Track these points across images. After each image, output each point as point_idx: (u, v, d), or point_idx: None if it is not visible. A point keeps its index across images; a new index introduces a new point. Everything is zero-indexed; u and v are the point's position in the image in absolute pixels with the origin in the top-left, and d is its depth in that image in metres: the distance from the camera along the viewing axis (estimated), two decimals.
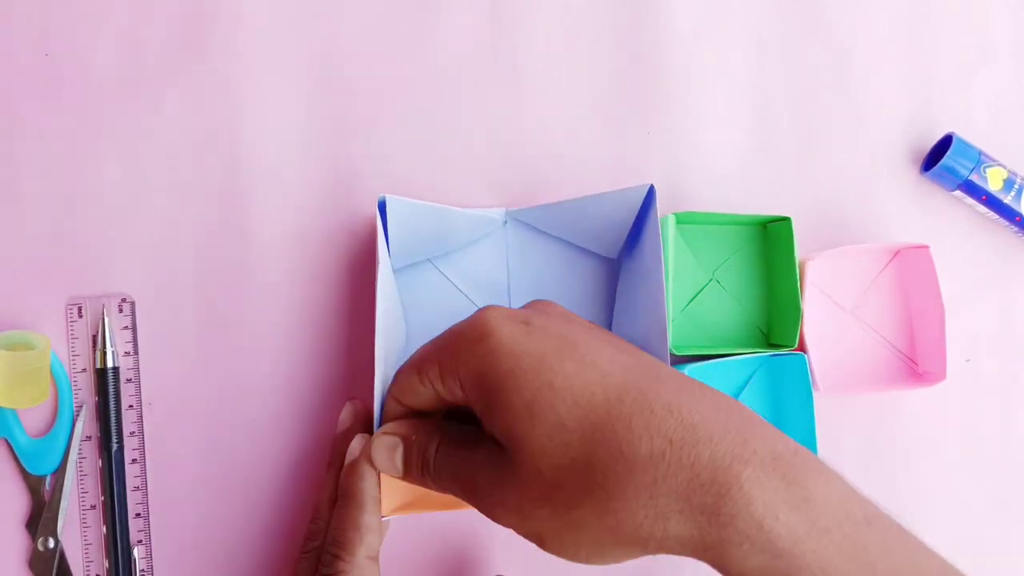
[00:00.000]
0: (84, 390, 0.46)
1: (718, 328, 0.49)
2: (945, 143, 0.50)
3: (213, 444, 0.46)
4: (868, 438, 0.50)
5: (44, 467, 0.45)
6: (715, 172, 0.50)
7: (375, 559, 0.38)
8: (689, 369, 0.46)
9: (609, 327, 0.46)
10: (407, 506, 0.41)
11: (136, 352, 0.46)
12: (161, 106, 0.47)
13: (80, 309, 0.46)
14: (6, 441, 0.45)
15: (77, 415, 0.46)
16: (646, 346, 0.40)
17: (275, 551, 0.47)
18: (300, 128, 0.48)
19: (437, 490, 0.37)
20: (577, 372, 0.32)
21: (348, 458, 0.39)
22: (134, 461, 0.46)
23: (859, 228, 0.51)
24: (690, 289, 0.48)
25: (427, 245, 0.46)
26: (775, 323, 0.48)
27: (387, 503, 0.39)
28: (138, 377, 0.46)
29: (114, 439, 0.45)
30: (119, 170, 0.46)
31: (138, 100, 0.47)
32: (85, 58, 0.46)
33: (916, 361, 0.50)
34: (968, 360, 0.51)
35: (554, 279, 0.47)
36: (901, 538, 0.31)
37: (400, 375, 0.38)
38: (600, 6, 0.50)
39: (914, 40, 0.52)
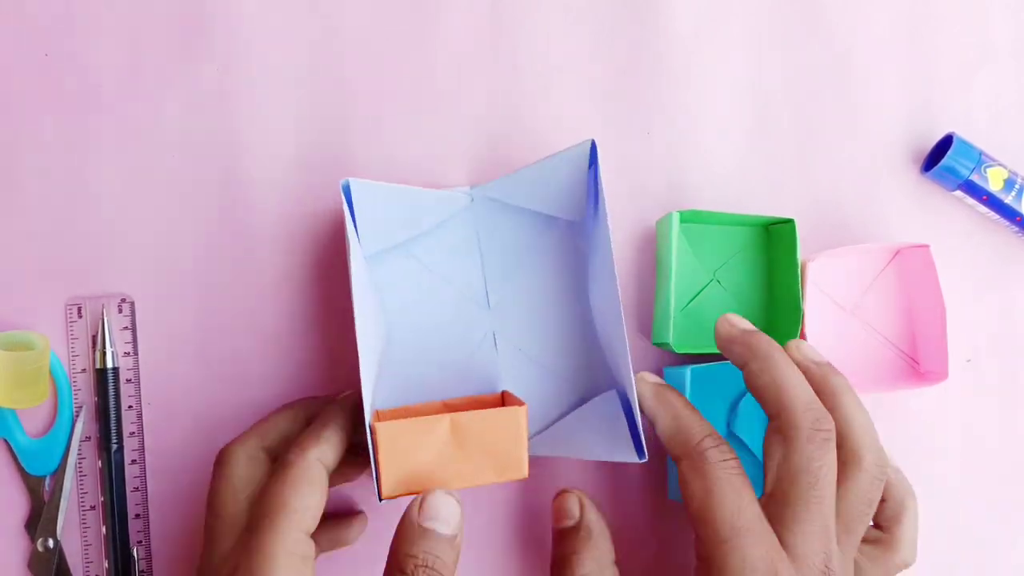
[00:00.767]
0: (84, 390, 0.46)
1: None
2: (945, 143, 0.50)
3: (213, 445, 0.46)
4: None
5: (43, 467, 0.45)
6: (715, 172, 0.50)
7: (326, 468, 0.38)
8: (691, 370, 0.46)
9: (587, 293, 0.46)
10: (409, 486, 0.39)
11: (136, 352, 0.46)
12: (161, 106, 0.47)
13: (80, 309, 0.46)
14: (5, 441, 0.45)
15: (77, 415, 0.45)
16: (604, 310, 0.41)
17: None
18: (300, 128, 0.48)
19: None
20: None
21: None
22: (134, 462, 0.46)
23: (859, 228, 0.51)
24: (691, 288, 0.48)
25: (396, 229, 0.45)
26: (775, 325, 0.48)
27: (390, 483, 0.39)
28: (138, 377, 0.46)
29: (114, 440, 0.45)
30: (119, 170, 0.46)
31: (137, 100, 0.47)
32: (84, 58, 0.46)
33: (918, 360, 0.50)
34: (969, 360, 0.51)
35: (526, 250, 0.47)
36: None
37: None
38: (600, 6, 0.50)
39: (914, 40, 0.52)
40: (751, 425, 0.47)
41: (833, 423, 0.38)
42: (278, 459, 0.39)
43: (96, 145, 0.46)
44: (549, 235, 0.46)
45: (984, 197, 0.49)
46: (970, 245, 0.51)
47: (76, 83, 0.46)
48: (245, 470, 0.40)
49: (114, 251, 0.46)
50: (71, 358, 0.46)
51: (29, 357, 0.43)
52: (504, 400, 0.45)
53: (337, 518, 0.46)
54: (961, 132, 0.51)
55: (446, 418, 0.39)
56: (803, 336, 0.47)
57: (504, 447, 0.39)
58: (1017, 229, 0.50)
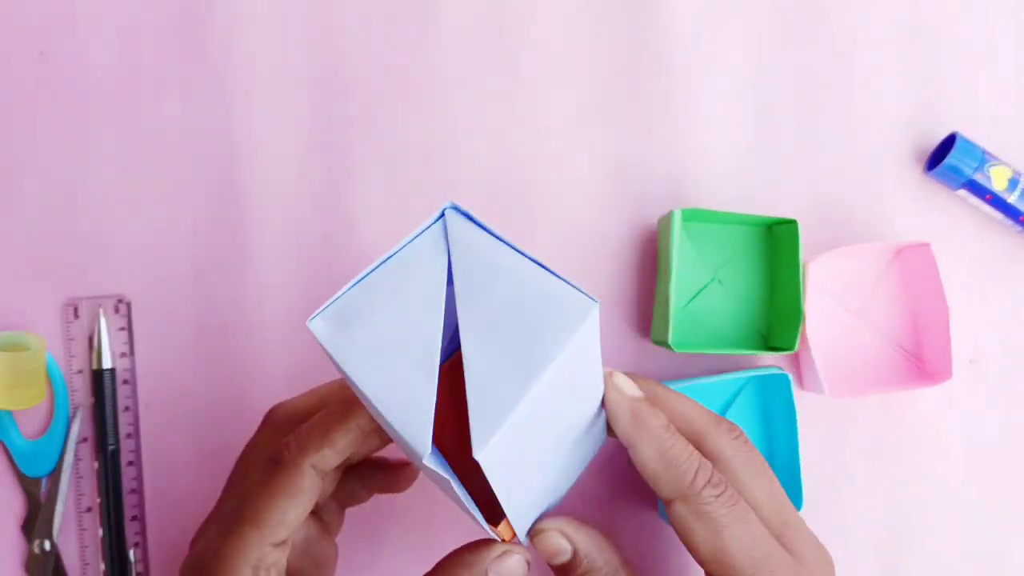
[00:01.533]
0: (80, 391, 0.45)
1: (717, 328, 0.48)
2: (949, 142, 0.50)
3: (210, 446, 0.46)
4: (872, 439, 0.50)
5: (40, 469, 0.45)
6: (716, 172, 0.50)
7: (322, 474, 0.36)
8: (679, 387, 0.45)
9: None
10: None
11: (132, 353, 0.46)
12: (158, 106, 0.47)
13: (76, 310, 0.46)
14: (2, 443, 0.45)
15: (73, 417, 0.45)
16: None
17: None
18: (298, 128, 0.47)
19: None
20: None
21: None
22: (130, 463, 0.46)
23: (862, 228, 0.50)
24: (692, 287, 0.48)
25: None
26: (775, 326, 0.48)
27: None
28: (134, 378, 0.46)
29: (110, 441, 0.45)
30: (115, 170, 0.46)
31: (135, 100, 0.47)
32: (81, 57, 0.46)
33: (922, 360, 0.49)
34: (972, 360, 0.51)
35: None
36: None
37: None
38: (600, 6, 0.49)
39: (917, 38, 0.51)
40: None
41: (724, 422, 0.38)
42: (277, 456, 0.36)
43: (93, 145, 0.46)
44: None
45: (988, 196, 0.49)
46: (973, 245, 0.51)
47: (73, 83, 0.46)
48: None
49: (111, 251, 0.46)
50: (68, 359, 0.45)
51: (25, 358, 0.43)
52: None
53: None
54: (964, 131, 0.50)
55: None
56: (805, 339, 0.46)
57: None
58: (1021, 228, 0.50)
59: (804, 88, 0.50)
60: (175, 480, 0.46)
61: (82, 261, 0.46)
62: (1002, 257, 0.51)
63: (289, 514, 0.35)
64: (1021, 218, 0.49)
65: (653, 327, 0.48)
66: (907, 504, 0.50)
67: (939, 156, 0.50)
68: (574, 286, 0.30)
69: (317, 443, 0.35)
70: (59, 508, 0.45)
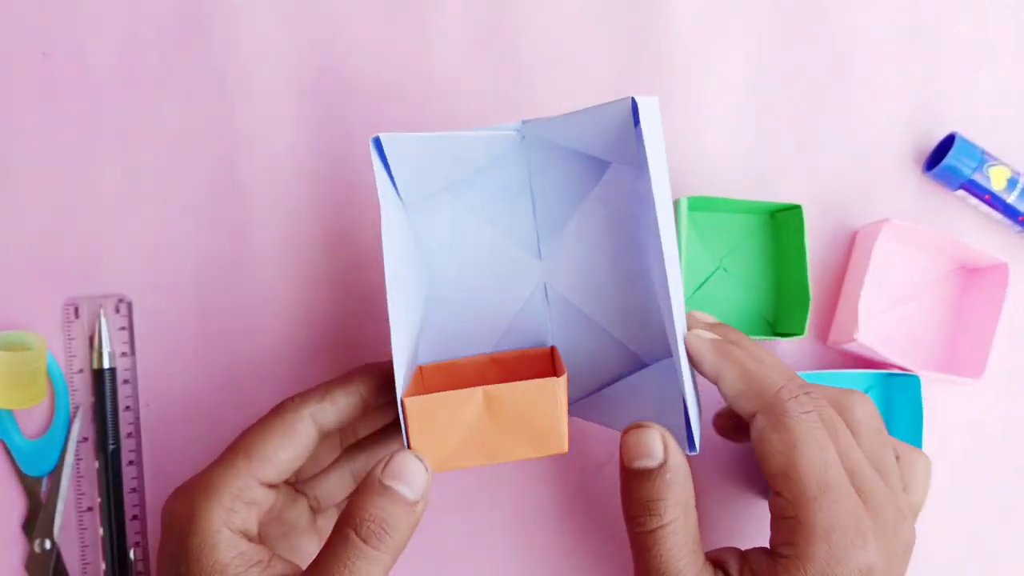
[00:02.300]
0: (81, 391, 0.46)
1: (724, 316, 0.48)
2: (948, 142, 0.50)
3: (211, 445, 0.46)
4: None
5: (40, 468, 0.45)
6: (715, 172, 0.50)
7: (319, 429, 0.38)
8: (812, 377, 0.45)
9: (646, 247, 0.42)
10: (443, 462, 0.37)
11: (133, 353, 0.46)
12: (158, 106, 0.47)
13: (77, 309, 0.46)
14: (2, 442, 0.45)
15: (74, 416, 0.45)
16: (657, 272, 0.38)
17: None
18: (298, 128, 0.47)
19: None
20: None
21: None
22: (131, 463, 0.46)
23: (861, 228, 0.50)
24: (697, 276, 0.48)
25: (439, 175, 0.41)
26: (782, 312, 0.48)
27: (435, 456, 0.36)
28: (135, 378, 0.46)
29: (111, 440, 0.45)
30: (116, 170, 0.46)
31: (135, 100, 0.47)
32: (82, 58, 0.46)
33: (957, 352, 0.50)
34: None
35: (580, 196, 0.43)
36: None
37: None
38: (600, 6, 0.49)
39: (916, 39, 0.51)
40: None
41: (798, 376, 0.37)
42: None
43: (94, 145, 0.46)
44: (606, 182, 0.42)
45: (987, 197, 0.49)
46: (973, 245, 0.51)
47: (74, 82, 0.46)
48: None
49: (111, 251, 0.46)
50: (68, 358, 0.45)
51: (26, 357, 0.43)
52: (552, 357, 0.43)
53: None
54: (963, 131, 0.50)
55: (479, 391, 0.36)
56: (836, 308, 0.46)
57: (542, 420, 0.37)
58: (1020, 229, 0.50)
59: (803, 88, 0.51)
60: (175, 479, 0.46)
61: (83, 261, 0.46)
62: (1001, 257, 0.51)
63: (280, 453, 0.36)
64: (1020, 218, 0.49)
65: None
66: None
67: (938, 156, 0.50)
68: None
69: (318, 396, 0.38)
70: (60, 507, 0.45)
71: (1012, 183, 0.49)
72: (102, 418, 0.45)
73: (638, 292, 0.42)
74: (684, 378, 0.37)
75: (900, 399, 0.48)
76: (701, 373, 0.38)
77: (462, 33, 0.49)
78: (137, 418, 0.46)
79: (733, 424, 0.44)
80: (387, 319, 0.35)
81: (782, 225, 0.48)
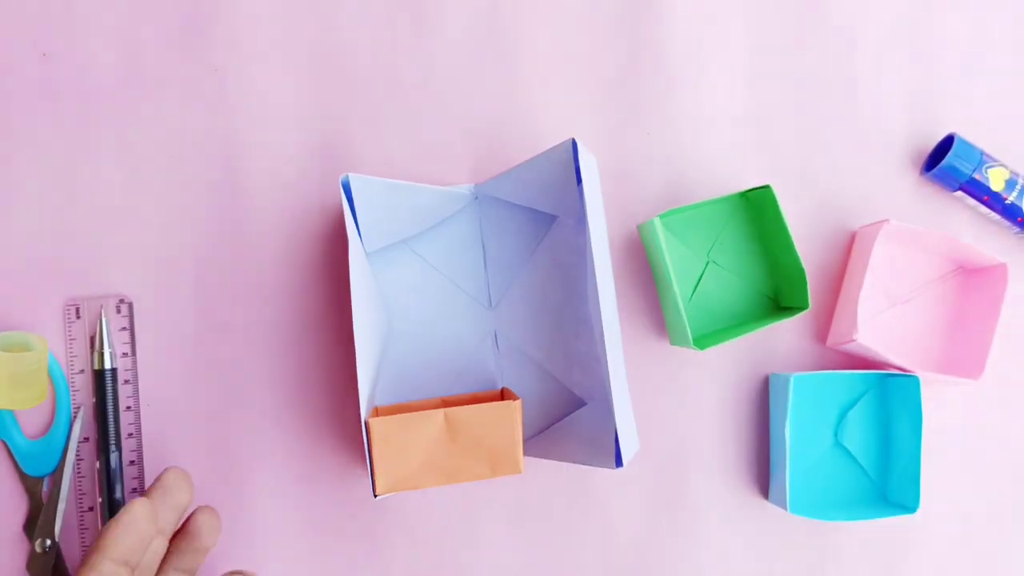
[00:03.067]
0: (82, 391, 0.46)
1: (728, 307, 0.49)
2: (947, 143, 0.50)
3: (211, 445, 0.46)
4: None
5: (42, 468, 0.45)
6: (715, 172, 0.50)
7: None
8: (794, 378, 0.46)
9: (586, 295, 0.45)
10: (404, 482, 0.40)
11: (134, 353, 0.46)
12: (159, 107, 0.47)
13: (78, 310, 0.46)
14: (4, 442, 0.45)
15: (75, 416, 0.45)
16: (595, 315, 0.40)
17: (273, 551, 0.46)
18: (299, 128, 0.47)
19: None
20: None
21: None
22: (132, 463, 0.46)
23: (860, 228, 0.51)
24: (691, 278, 0.48)
25: (399, 225, 0.45)
26: (782, 288, 0.48)
27: (385, 479, 0.39)
28: (136, 378, 0.46)
29: (112, 440, 0.45)
30: (117, 171, 0.46)
31: (136, 101, 0.47)
32: (83, 58, 0.46)
33: (956, 355, 0.50)
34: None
35: (528, 249, 0.46)
36: None
37: None
38: (600, 6, 0.49)
39: (915, 40, 0.51)
40: (860, 436, 0.48)
41: None
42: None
43: (95, 145, 0.46)
44: (552, 234, 0.46)
45: (985, 197, 0.49)
46: (972, 246, 0.51)
47: (75, 83, 0.46)
48: None
49: (112, 252, 0.46)
50: (69, 359, 0.46)
51: (27, 358, 0.43)
52: (503, 396, 0.45)
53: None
54: (962, 132, 0.50)
55: (440, 413, 0.39)
56: (837, 298, 0.47)
57: (499, 442, 0.40)
58: (1018, 229, 0.50)
59: (803, 88, 0.51)
60: None
61: (84, 262, 0.46)
62: (1000, 257, 0.51)
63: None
64: (1019, 219, 0.49)
65: (669, 332, 0.48)
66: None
67: (937, 157, 0.50)
68: None
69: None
70: (61, 507, 0.45)
71: (1011, 184, 0.49)
72: (103, 418, 0.45)
73: (581, 337, 0.45)
74: (617, 409, 0.40)
75: (899, 400, 0.48)
76: None
77: (463, 33, 0.49)
78: (138, 418, 0.46)
79: None
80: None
81: (757, 206, 0.48)
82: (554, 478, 0.48)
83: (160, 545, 0.40)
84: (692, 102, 0.50)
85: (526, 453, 0.45)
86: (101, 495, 0.45)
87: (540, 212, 0.46)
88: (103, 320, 0.45)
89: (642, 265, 0.49)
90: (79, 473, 0.45)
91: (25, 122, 0.46)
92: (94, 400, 0.45)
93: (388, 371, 0.46)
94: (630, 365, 0.48)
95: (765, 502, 0.49)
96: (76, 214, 0.46)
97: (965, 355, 0.49)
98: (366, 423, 0.39)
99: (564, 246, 0.45)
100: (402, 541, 0.47)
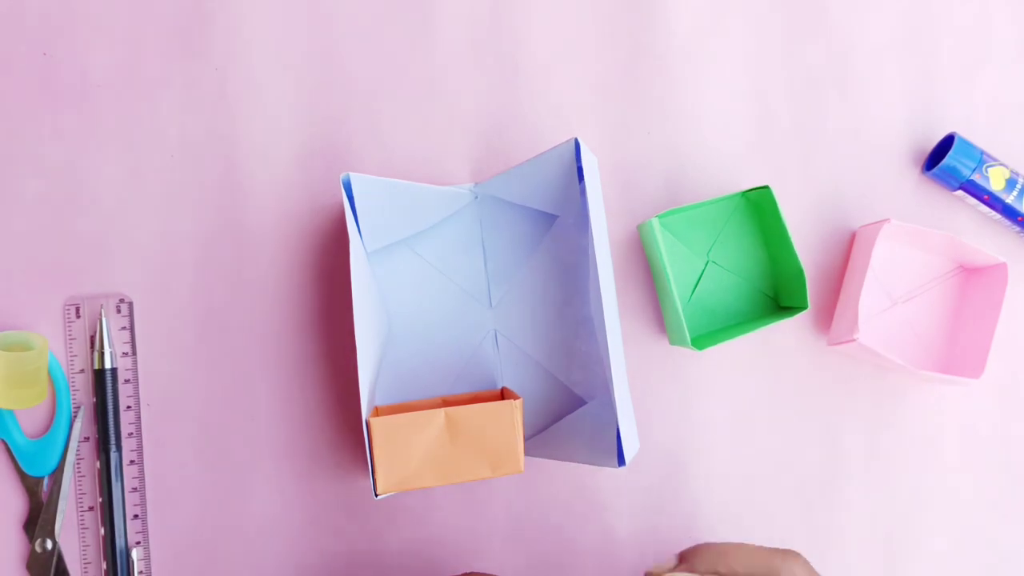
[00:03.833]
0: (82, 391, 0.46)
1: (727, 306, 0.49)
2: (947, 143, 0.50)
3: (211, 445, 0.46)
4: (872, 440, 0.50)
5: (42, 468, 0.45)
6: (715, 173, 0.50)
7: None
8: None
9: (587, 295, 0.46)
10: (404, 482, 0.40)
11: (134, 353, 0.46)
12: (159, 106, 0.47)
13: (78, 309, 0.46)
14: (4, 442, 0.45)
15: (75, 416, 0.45)
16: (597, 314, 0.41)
17: (273, 551, 0.46)
18: (299, 128, 0.47)
19: None
20: None
21: None
22: (132, 462, 0.46)
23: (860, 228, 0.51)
24: (690, 278, 0.48)
25: (399, 225, 0.45)
26: (781, 288, 0.48)
27: (386, 479, 0.39)
28: (136, 378, 0.46)
29: (112, 440, 0.45)
30: (117, 170, 0.46)
31: (136, 100, 0.47)
32: (83, 58, 0.46)
33: (956, 354, 0.50)
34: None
35: (528, 248, 0.47)
36: None
37: None
38: (600, 6, 0.49)
39: (915, 39, 0.51)
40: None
41: None
42: None
43: (95, 145, 0.46)
44: (551, 233, 0.46)
45: (985, 197, 0.49)
46: (972, 245, 0.51)
47: (75, 83, 0.46)
48: None
49: (113, 251, 0.46)
50: (69, 358, 0.46)
51: (27, 358, 0.43)
52: (503, 396, 0.45)
53: None
54: (962, 132, 0.51)
55: (440, 412, 0.39)
56: (838, 296, 0.47)
57: (499, 441, 0.40)
58: (1019, 229, 0.50)
59: (803, 88, 0.51)
60: (176, 479, 0.46)
61: (84, 261, 0.46)
62: (1000, 257, 0.51)
63: None
64: (1019, 218, 0.49)
65: (668, 332, 0.48)
66: (904, 505, 0.50)
67: (937, 157, 0.50)
68: None
69: None
70: (61, 507, 0.45)
71: (1011, 183, 0.49)
72: (103, 418, 0.45)
73: (582, 336, 0.45)
74: (619, 408, 0.40)
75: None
76: None
77: (462, 33, 0.49)
78: (138, 418, 0.46)
79: None
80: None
81: (756, 206, 0.48)
82: (554, 477, 0.48)
83: None
84: (692, 101, 0.50)
85: (527, 453, 0.45)
86: (101, 495, 0.45)
87: (541, 212, 0.46)
88: (103, 320, 0.45)
89: (642, 265, 0.49)
90: (79, 473, 0.45)
91: (26, 121, 0.46)
92: (94, 400, 0.45)
93: (388, 371, 0.46)
94: (630, 365, 0.48)
95: (759, 496, 0.49)
96: (76, 214, 0.46)
97: (965, 355, 0.49)
98: (367, 423, 0.39)
99: (565, 246, 0.46)
100: (402, 541, 0.47)
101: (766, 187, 0.46)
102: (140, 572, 0.45)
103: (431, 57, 0.48)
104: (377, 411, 0.44)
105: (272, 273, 0.47)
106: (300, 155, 0.47)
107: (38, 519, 0.45)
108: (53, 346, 0.45)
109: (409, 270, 0.46)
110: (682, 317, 0.44)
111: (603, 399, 0.44)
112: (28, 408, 0.45)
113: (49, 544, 0.45)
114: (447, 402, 0.45)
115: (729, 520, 0.49)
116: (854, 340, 0.46)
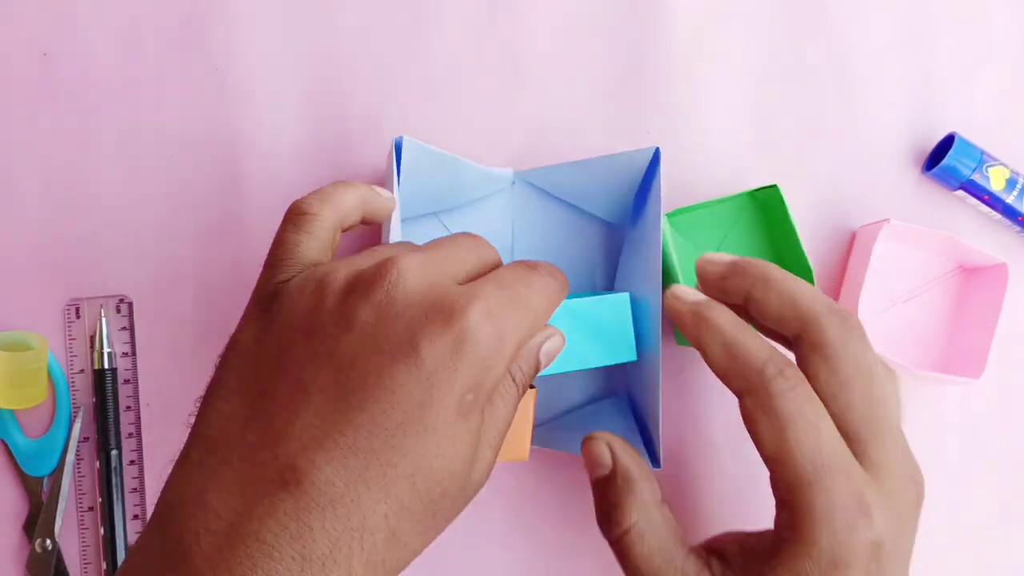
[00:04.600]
0: (82, 391, 0.46)
1: (732, 308, 0.48)
2: (947, 143, 0.50)
3: None
4: None
5: (42, 468, 0.45)
6: (715, 173, 0.50)
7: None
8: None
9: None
10: None
11: (134, 353, 0.46)
12: (159, 106, 0.47)
13: (78, 309, 0.46)
14: (3, 442, 0.45)
15: (75, 416, 0.45)
16: (640, 316, 0.41)
17: None
18: (300, 128, 0.47)
19: None
20: None
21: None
22: (132, 463, 0.46)
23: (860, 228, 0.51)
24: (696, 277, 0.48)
25: (435, 197, 0.45)
26: None
27: None
28: (136, 378, 0.46)
29: (112, 440, 0.45)
30: (117, 170, 0.46)
31: (136, 100, 0.47)
32: (82, 58, 0.46)
33: (956, 353, 0.50)
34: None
35: (557, 242, 0.47)
36: None
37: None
38: (600, 6, 0.49)
39: (915, 39, 0.51)
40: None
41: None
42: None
43: (95, 144, 0.46)
44: (584, 233, 0.46)
45: (986, 197, 0.49)
46: (972, 245, 0.51)
47: (75, 82, 0.46)
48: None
49: (113, 251, 0.46)
50: (69, 359, 0.46)
51: (27, 358, 0.43)
52: None
53: None
54: (963, 131, 0.51)
55: None
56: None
57: (511, 427, 0.39)
58: (1019, 229, 0.50)
59: (803, 88, 0.51)
60: None
61: (84, 261, 0.46)
62: (1000, 257, 0.51)
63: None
64: (1019, 219, 0.49)
65: (676, 331, 0.48)
66: None
67: (937, 156, 0.50)
68: None
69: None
70: (61, 507, 0.45)
71: (1011, 183, 0.49)
72: (103, 418, 0.45)
73: None
74: (657, 402, 0.39)
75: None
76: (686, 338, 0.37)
77: (463, 34, 0.49)
78: (138, 418, 0.46)
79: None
80: None
81: (764, 205, 0.48)
82: (555, 476, 0.48)
83: None
84: (693, 101, 0.50)
85: (536, 444, 0.44)
86: (101, 495, 0.45)
87: (579, 210, 0.46)
88: (103, 320, 0.45)
89: None
90: (79, 473, 0.45)
91: (26, 121, 0.46)
92: (94, 400, 0.45)
93: None
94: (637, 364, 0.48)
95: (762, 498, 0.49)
96: (76, 214, 0.46)
97: (965, 355, 0.49)
98: None
99: (598, 247, 0.46)
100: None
101: (774, 186, 0.46)
102: None
103: (431, 57, 0.48)
104: None
105: None
106: (300, 155, 0.47)
107: (38, 519, 0.45)
108: (53, 346, 0.45)
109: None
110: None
111: (617, 402, 0.44)
112: (28, 408, 0.45)
113: (49, 544, 0.45)
114: None
115: (729, 520, 0.49)
116: None
